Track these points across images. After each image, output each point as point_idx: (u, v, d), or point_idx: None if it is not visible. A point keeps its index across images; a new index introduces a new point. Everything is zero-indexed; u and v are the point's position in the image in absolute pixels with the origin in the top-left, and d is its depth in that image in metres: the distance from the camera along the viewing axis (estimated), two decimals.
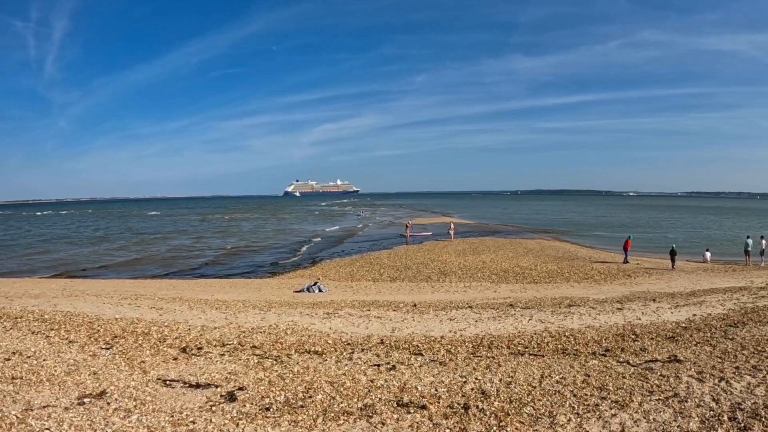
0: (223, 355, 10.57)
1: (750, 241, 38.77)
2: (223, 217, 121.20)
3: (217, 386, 8.30)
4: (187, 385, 8.36)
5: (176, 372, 9.15)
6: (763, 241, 38.85)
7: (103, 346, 10.92)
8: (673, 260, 36.55)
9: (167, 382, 8.48)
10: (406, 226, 63.11)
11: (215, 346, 11.49)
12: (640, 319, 16.23)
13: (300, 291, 24.60)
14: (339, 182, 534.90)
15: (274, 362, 9.97)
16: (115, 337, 11.96)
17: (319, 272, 33.29)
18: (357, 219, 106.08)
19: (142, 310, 16.54)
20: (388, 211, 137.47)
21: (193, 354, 10.57)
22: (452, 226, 58.20)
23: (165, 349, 11.04)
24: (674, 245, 37.81)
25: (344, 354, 10.98)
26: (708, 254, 39.32)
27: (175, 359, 10.10)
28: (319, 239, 60.99)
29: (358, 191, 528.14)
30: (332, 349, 11.52)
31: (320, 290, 24.43)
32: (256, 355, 10.55)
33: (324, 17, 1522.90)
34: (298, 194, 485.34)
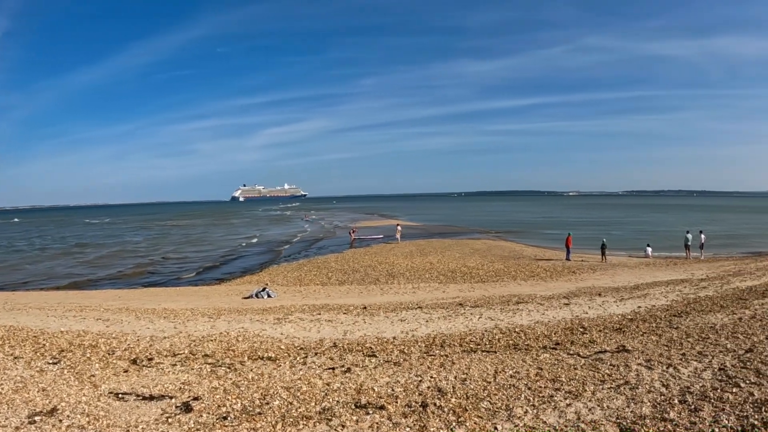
0: (175, 365, 10.38)
1: (690, 235, 40.69)
2: (168, 224, 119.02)
3: (171, 397, 8.15)
4: (141, 397, 8.19)
5: (128, 385, 8.95)
6: (702, 236, 40.68)
7: (51, 361, 10.62)
8: (603, 253, 38.64)
9: (120, 396, 8.29)
10: (352, 231, 62.95)
11: (166, 356, 11.27)
12: (587, 312, 16.63)
13: (248, 297, 24.40)
14: (286, 186, 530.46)
15: (228, 370, 9.84)
16: (62, 351, 11.64)
17: (267, 278, 33.03)
18: (303, 223, 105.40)
19: (89, 322, 16.19)
20: (336, 215, 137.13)
21: (144, 365, 10.35)
22: (399, 228, 58.46)
23: (115, 361, 10.78)
24: (604, 240, 40.06)
25: (298, 359, 10.92)
26: (649, 249, 40.87)
27: (125, 371, 9.88)
28: (266, 245, 60.44)
29: (306, 195, 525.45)
30: (285, 354, 11.45)
31: (269, 296, 24.28)
32: (209, 364, 10.39)
33: (274, 20, 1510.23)
34: (241, 199, 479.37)
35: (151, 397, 8.16)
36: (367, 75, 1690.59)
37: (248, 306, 21.00)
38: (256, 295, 24.28)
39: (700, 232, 41.61)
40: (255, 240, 67.63)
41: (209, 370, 9.91)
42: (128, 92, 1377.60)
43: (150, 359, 10.92)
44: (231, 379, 9.16)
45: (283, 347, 12.26)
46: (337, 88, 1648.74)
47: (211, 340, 13.11)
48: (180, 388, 8.61)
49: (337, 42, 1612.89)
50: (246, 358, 10.91)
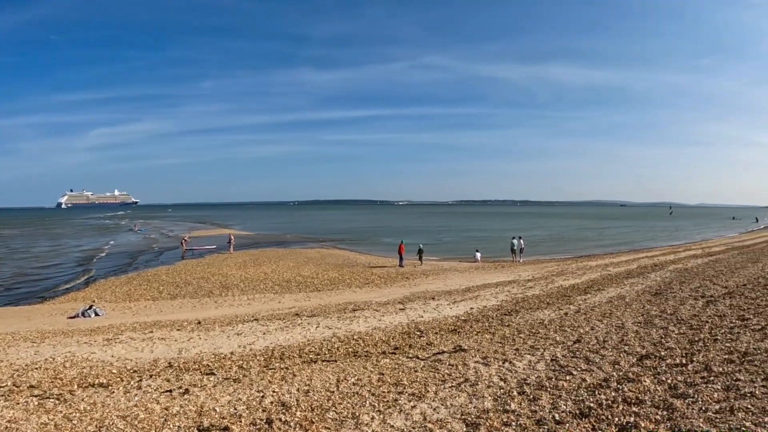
0: None
1: (515, 241, 44.90)
2: None
3: None
4: None
5: None
6: (522, 241, 44.47)
7: None
8: (420, 258, 41.60)
9: None
10: (183, 240, 61.08)
11: None
12: (422, 316, 17.36)
13: (74, 317, 23.07)
14: (117, 193, 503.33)
15: (57, 402, 9.21)
16: None
17: (94, 294, 31.34)
18: (133, 233, 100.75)
19: None
20: (167, 224, 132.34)
21: None
22: (232, 238, 57.58)
23: None
24: (420, 245, 43.24)
25: (132, 383, 10.46)
26: (478, 254, 43.57)
27: None
28: (95, 257, 57.19)
29: (137, 203, 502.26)
30: (118, 378, 10.92)
31: (97, 314, 23.12)
32: (36, 396, 9.65)
33: (114, 9, 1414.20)
34: (64, 206, 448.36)
35: None
36: (206, 77, 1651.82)
37: (75, 327, 19.87)
38: (83, 314, 23.03)
39: (520, 237, 45.25)
40: (82, 252, 63.42)
41: (37, 403, 9.20)
42: None
43: None
44: (61, 411, 8.62)
45: (115, 371, 11.71)
46: (174, 89, 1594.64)
47: (36, 368, 12.24)
48: (6, 428, 7.98)
49: (179, 39, 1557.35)
50: (76, 387, 10.27)
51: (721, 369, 8.19)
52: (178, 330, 17.26)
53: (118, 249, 66.25)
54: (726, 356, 8.92)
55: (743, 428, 5.88)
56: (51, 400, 9.41)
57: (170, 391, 9.67)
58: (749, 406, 6.47)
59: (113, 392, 9.78)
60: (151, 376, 11.14)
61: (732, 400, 6.76)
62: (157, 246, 68.70)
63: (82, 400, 9.29)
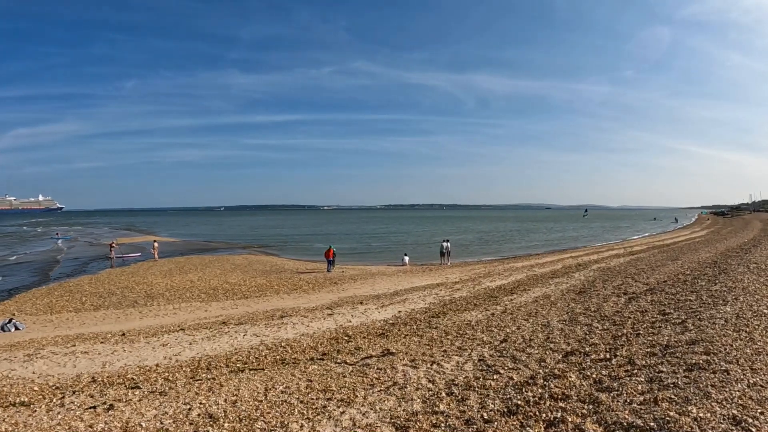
0: None
1: (445, 244, 45.20)
2: None
3: None
4: None
5: None
6: (448, 244, 45.27)
7: None
8: (332, 262, 41.70)
9: None
10: (111, 247, 59.19)
11: None
12: (350, 321, 17.38)
13: None
14: (41, 198, 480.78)
15: None
16: None
17: (14, 306, 29.96)
18: (55, 241, 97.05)
19: None
20: (92, 231, 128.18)
21: None
22: (156, 245, 56.22)
23: None
24: (333, 248, 42.74)
25: (54, 400, 10.10)
26: (406, 258, 43.81)
27: None
28: (14, 266, 54.91)
29: (62, 208, 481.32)
30: (40, 396, 10.54)
31: (17, 328, 22.22)
32: None
33: (35, 1, 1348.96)
34: None
35: None
36: (129, 77, 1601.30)
37: None
38: (2, 329, 22.08)
39: (447, 241, 45.90)
40: (4, 262, 60.88)
41: None
42: None
43: None
44: None
45: (36, 388, 11.29)
46: (95, 88, 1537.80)
47: None
48: None
49: (101, 36, 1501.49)
50: None
51: (644, 362, 8.49)
52: (102, 343, 16.77)
53: (42, 257, 63.91)
54: (648, 349, 9.27)
55: (668, 418, 6.09)
56: None
57: (94, 407, 9.38)
58: (673, 396, 6.73)
59: (35, 411, 9.43)
60: (74, 392, 10.79)
61: (656, 392, 7.02)
62: (81, 254, 66.46)
63: (3, 420, 8.92)
